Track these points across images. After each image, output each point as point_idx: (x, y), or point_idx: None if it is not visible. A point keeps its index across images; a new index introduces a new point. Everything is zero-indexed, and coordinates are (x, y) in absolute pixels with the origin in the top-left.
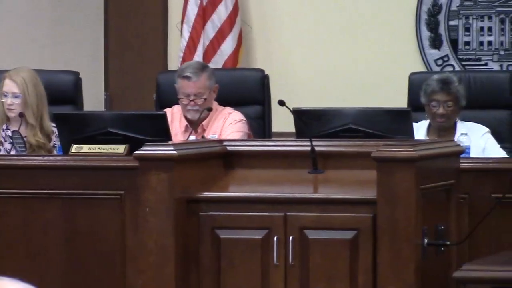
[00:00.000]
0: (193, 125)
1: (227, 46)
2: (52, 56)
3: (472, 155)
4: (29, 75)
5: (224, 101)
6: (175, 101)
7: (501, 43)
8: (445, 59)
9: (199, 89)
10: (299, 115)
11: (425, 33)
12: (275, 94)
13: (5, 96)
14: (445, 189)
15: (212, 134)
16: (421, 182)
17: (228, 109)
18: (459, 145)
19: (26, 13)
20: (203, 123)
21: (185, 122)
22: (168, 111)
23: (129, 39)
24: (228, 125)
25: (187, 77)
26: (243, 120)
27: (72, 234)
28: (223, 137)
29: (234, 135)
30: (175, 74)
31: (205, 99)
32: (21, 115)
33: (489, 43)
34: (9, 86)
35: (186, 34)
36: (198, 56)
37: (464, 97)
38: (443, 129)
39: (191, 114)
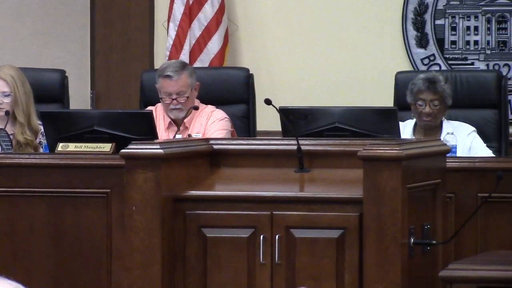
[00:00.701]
0: (176, 123)
1: (214, 45)
2: (39, 54)
3: (458, 154)
4: (17, 73)
5: (209, 100)
6: (159, 99)
7: (488, 43)
8: (432, 58)
9: (181, 88)
10: (286, 114)
11: (412, 32)
12: (260, 93)
13: None
14: (431, 188)
15: (196, 132)
16: (407, 181)
17: (210, 107)
18: (445, 144)
19: (12, 11)
20: (185, 120)
21: (168, 120)
22: (152, 109)
23: (115, 38)
24: (211, 123)
25: (168, 76)
26: (226, 117)
27: (58, 233)
28: (207, 135)
29: (219, 133)
30: (156, 74)
31: (187, 97)
32: (8, 113)
33: (476, 42)
34: None
35: (173, 33)
36: (184, 55)
37: (450, 96)
38: (429, 128)
39: (174, 113)
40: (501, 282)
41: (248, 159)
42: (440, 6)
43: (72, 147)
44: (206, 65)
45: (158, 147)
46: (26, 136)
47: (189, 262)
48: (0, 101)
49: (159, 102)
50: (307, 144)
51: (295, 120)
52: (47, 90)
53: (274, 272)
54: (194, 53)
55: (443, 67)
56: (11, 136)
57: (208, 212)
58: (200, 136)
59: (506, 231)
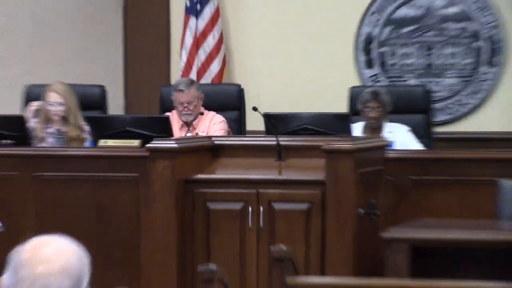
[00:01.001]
0: (187, 125)
1: (214, 67)
2: (84, 73)
3: (397, 147)
4: (66, 87)
5: (211, 107)
6: (174, 107)
7: (418, 65)
8: (376, 76)
9: (190, 98)
10: (268, 118)
11: (362, 57)
12: (249, 102)
13: (51, 104)
14: (376, 173)
15: (201, 131)
16: (358, 168)
17: (212, 113)
18: (386, 140)
19: (63, 38)
20: (194, 123)
21: (180, 122)
22: (169, 114)
23: (142, 61)
24: (213, 125)
25: (181, 90)
26: (223, 120)
27: (99, 207)
28: (210, 134)
29: (218, 132)
30: (172, 88)
31: (195, 105)
32: (63, 118)
33: (409, 65)
34: (55, 97)
35: (184, 58)
36: (192, 74)
37: (390, 105)
38: (374, 128)
39: (185, 117)
40: (426, 241)
41: (240, 151)
42: (383, 38)
43: (110, 142)
44: (209, 82)
45: (173, 142)
46: (75, 133)
47: (196, 227)
48: (56, 109)
49: (174, 109)
50: (284, 140)
51: (275, 122)
52: (92, 101)
53: (259, 234)
54: (200, 73)
55: (385, 83)
56: (64, 134)
57: (210, 190)
58: (204, 134)
59: (432, 204)
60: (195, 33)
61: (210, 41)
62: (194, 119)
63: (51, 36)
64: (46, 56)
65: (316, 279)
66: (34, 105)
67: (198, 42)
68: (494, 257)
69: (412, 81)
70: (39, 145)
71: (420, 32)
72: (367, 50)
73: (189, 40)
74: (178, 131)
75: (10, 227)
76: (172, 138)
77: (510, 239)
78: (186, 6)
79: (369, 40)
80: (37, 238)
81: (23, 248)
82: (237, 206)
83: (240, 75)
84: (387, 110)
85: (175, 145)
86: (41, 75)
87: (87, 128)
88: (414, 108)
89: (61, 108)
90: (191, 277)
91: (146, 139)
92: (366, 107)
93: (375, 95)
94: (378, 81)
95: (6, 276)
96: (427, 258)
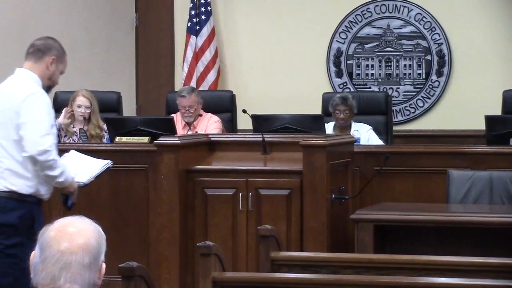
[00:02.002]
0: (188, 124)
1: (211, 77)
2: (104, 81)
3: (361, 143)
4: (90, 93)
5: (208, 110)
6: (178, 110)
7: (379, 74)
8: (345, 84)
9: (191, 103)
10: (255, 118)
11: (332, 68)
12: (240, 106)
13: (79, 107)
14: (344, 164)
15: (200, 130)
16: (330, 160)
17: (209, 114)
18: (353, 137)
19: (86, 53)
20: (194, 123)
21: (183, 122)
22: (173, 115)
23: (151, 72)
24: (210, 124)
25: (184, 96)
26: (219, 121)
27: (116, 193)
28: (207, 132)
29: (215, 130)
30: (176, 94)
31: (195, 109)
32: (85, 118)
33: (372, 74)
34: (83, 101)
35: (186, 69)
36: (192, 83)
37: (356, 107)
38: (343, 127)
39: (187, 118)
40: (387, 221)
41: (232, 146)
42: (350, 52)
43: (124, 139)
44: (206, 89)
45: (177, 139)
46: (95, 132)
47: (196, 209)
48: (84, 110)
49: (178, 112)
50: (268, 137)
51: (261, 122)
52: (109, 104)
53: (248, 216)
54: (199, 82)
55: (352, 90)
56: (87, 133)
57: (208, 179)
58: (203, 132)
59: (392, 191)
60: (195, 49)
61: (207, 55)
62: (194, 120)
63: (77, 51)
64: (72, 68)
65: (296, 253)
66: (69, 110)
67: (197, 56)
68: (444, 235)
69: (375, 88)
70: (66, 141)
71: (381, 48)
72: (337, 62)
73: (189, 55)
74: (181, 129)
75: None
76: (175, 135)
77: (457, 219)
78: (187, 26)
79: (338, 54)
80: (62, 219)
81: (49, 228)
82: (230, 192)
83: (232, 84)
84: (354, 112)
85: (178, 141)
86: (67, 83)
87: (105, 127)
88: (377, 110)
89: (87, 110)
90: (192, 251)
91: (154, 136)
92: (336, 110)
93: (344, 99)
94: (346, 88)
95: (34, 253)
96: (388, 236)
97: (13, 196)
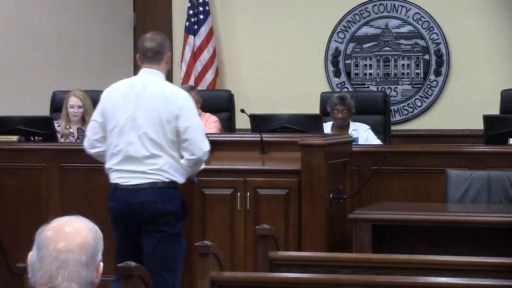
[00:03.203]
0: None
1: (209, 76)
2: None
3: (359, 142)
4: (85, 93)
5: (206, 109)
6: None
7: (377, 74)
8: (343, 84)
9: None
10: (253, 118)
11: (331, 68)
12: (238, 105)
13: (72, 107)
14: (343, 164)
15: None
16: (328, 159)
17: (208, 114)
18: (351, 136)
19: (84, 53)
20: None
21: None
22: None
23: None
24: (208, 124)
25: None
26: (217, 120)
27: None
28: (206, 131)
29: (213, 130)
30: None
31: None
32: (82, 119)
33: (370, 74)
34: (75, 101)
35: (184, 69)
36: (191, 82)
37: (354, 107)
38: (341, 127)
39: None
40: (385, 221)
41: (231, 145)
42: (348, 51)
43: None
44: (205, 88)
45: None
46: None
47: (194, 209)
48: (76, 110)
49: None
50: (266, 137)
51: (259, 122)
52: None
53: (246, 215)
54: (197, 81)
55: (350, 90)
56: (84, 133)
57: (206, 178)
58: None
59: (389, 190)
60: (193, 49)
61: (205, 55)
62: None
63: (74, 51)
64: (70, 67)
65: (294, 253)
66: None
67: (195, 56)
68: (442, 234)
69: (373, 88)
70: (63, 142)
71: (379, 47)
72: (335, 62)
73: (188, 54)
74: None
75: (40, 209)
76: None
77: (455, 219)
78: (185, 26)
79: (337, 54)
80: (59, 219)
81: (47, 227)
82: (228, 191)
83: (230, 83)
84: (352, 112)
85: None
86: (65, 83)
87: None
88: (375, 110)
89: (80, 110)
90: (190, 251)
91: None
92: (335, 109)
93: (342, 99)
94: (344, 88)
95: (32, 253)
96: (386, 235)
97: (175, 186)
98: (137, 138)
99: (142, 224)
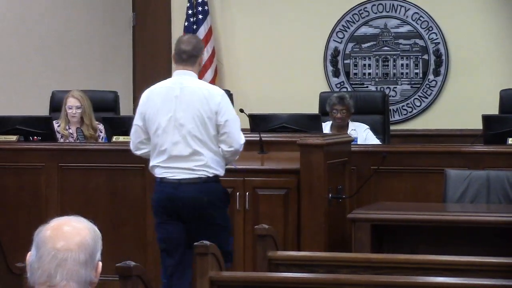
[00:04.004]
0: None
1: (208, 76)
2: (101, 80)
3: (358, 142)
4: (83, 94)
5: None
6: None
7: (376, 74)
8: (342, 84)
9: None
10: (252, 118)
11: (330, 68)
12: (237, 105)
13: (70, 108)
14: (342, 163)
15: None
16: (327, 159)
17: None
18: (350, 136)
19: (84, 53)
20: None
21: None
22: None
23: (148, 71)
24: None
25: None
26: None
27: (113, 191)
28: None
29: None
30: None
31: None
32: (81, 119)
33: (369, 74)
34: (73, 102)
35: None
36: None
37: (353, 107)
38: (340, 126)
39: None
40: (385, 221)
41: None
42: (347, 51)
43: (121, 138)
44: None
45: None
46: (90, 132)
47: None
48: (74, 111)
49: None
50: (266, 136)
51: (258, 121)
52: (107, 104)
53: (245, 215)
54: None
55: (349, 89)
56: (82, 132)
57: None
58: None
59: (389, 190)
60: None
61: (204, 55)
62: None
63: (73, 51)
64: (70, 67)
65: (293, 253)
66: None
67: None
68: (441, 234)
69: (372, 88)
70: (63, 141)
71: (378, 47)
72: (334, 62)
73: None
74: None
75: (39, 209)
76: None
77: (454, 219)
78: (184, 26)
79: (336, 53)
80: (57, 218)
81: (45, 227)
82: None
83: (229, 83)
84: (351, 112)
85: None
86: (65, 82)
87: (100, 127)
88: (374, 109)
89: (78, 110)
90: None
91: None
92: (334, 109)
93: (341, 99)
94: (343, 88)
95: (31, 252)
96: (385, 235)
97: (217, 179)
98: (181, 137)
99: (187, 217)
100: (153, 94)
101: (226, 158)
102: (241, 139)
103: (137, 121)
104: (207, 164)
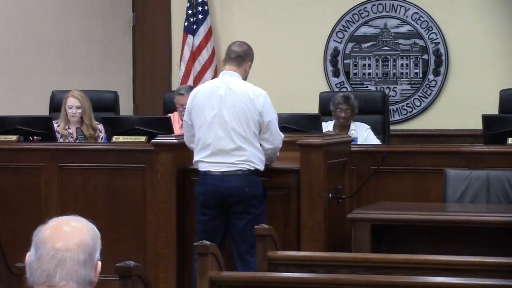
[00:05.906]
0: None
1: (208, 76)
2: (101, 80)
3: (359, 142)
4: (83, 94)
5: None
6: (175, 109)
7: (376, 74)
8: (342, 84)
9: None
10: None
11: (329, 68)
12: None
13: (70, 108)
14: (342, 163)
15: None
16: (327, 159)
17: None
18: (350, 136)
19: (84, 53)
20: None
21: (180, 122)
22: (171, 115)
23: (148, 72)
24: None
25: (182, 94)
26: None
27: (112, 191)
28: None
29: None
30: (174, 93)
31: None
32: (81, 119)
33: (369, 74)
34: (73, 101)
35: (183, 68)
36: (189, 82)
37: (357, 107)
38: (344, 126)
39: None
40: (385, 221)
41: None
42: (347, 51)
43: (121, 138)
44: None
45: (174, 138)
46: (89, 132)
47: (190, 206)
48: (74, 111)
49: (175, 111)
50: None
51: None
52: (106, 103)
53: None
54: (196, 81)
55: (349, 89)
56: (82, 132)
57: None
58: None
59: (389, 190)
60: (192, 48)
61: (204, 55)
62: None
63: (74, 50)
64: (69, 67)
65: (293, 253)
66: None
67: (194, 55)
68: (441, 234)
69: (372, 88)
70: (63, 141)
71: (378, 47)
72: (334, 62)
73: (187, 54)
74: (178, 129)
75: (39, 209)
76: (173, 135)
77: (454, 219)
78: (184, 26)
79: (335, 53)
80: (57, 218)
81: (44, 227)
82: None
83: None
84: (355, 113)
85: (175, 140)
86: (64, 82)
87: (100, 127)
88: (374, 109)
89: (78, 110)
90: (189, 250)
91: (151, 136)
92: (338, 108)
93: (346, 99)
94: (343, 88)
95: (30, 253)
96: (385, 235)
97: (257, 173)
98: (225, 133)
99: (229, 207)
100: (199, 92)
101: (267, 154)
102: (281, 136)
103: (186, 118)
104: (249, 159)
